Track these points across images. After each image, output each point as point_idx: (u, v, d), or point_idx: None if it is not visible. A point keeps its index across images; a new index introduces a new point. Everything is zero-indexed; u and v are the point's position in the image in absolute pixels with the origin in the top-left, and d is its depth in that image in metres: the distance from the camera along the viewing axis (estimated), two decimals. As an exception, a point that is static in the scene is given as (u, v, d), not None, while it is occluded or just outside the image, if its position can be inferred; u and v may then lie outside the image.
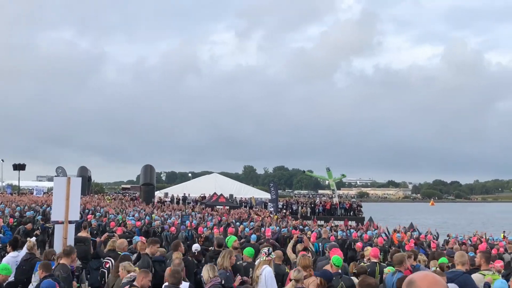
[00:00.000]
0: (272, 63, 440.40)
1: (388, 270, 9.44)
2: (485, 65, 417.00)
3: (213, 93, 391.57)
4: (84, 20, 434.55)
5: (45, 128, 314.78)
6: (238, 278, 9.33)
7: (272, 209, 47.10)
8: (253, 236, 15.98)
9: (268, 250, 9.79)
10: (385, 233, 24.89)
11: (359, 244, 17.16)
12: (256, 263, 9.82)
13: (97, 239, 15.07)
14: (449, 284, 7.77)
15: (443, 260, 10.17)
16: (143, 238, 12.89)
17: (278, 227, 25.28)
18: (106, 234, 14.56)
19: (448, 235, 26.47)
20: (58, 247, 11.37)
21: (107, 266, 10.24)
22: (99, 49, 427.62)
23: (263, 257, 9.63)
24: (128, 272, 8.36)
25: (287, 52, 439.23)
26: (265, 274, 9.08)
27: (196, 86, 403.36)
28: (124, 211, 31.21)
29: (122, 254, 9.71)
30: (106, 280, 9.86)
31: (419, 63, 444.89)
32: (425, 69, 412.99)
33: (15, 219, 21.40)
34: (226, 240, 11.52)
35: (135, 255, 10.86)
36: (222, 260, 9.47)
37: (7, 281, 8.76)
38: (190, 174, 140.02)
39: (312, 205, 54.39)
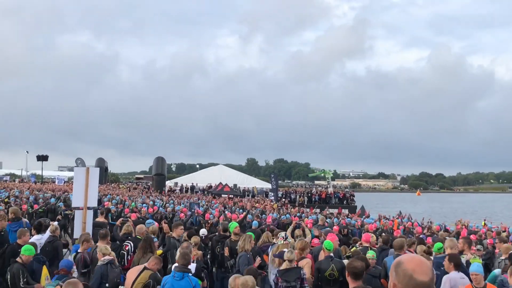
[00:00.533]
0: (271, 65, 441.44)
1: (371, 255, 9.41)
2: (467, 68, 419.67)
3: (218, 92, 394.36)
4: (100, 25, 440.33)
5: (64, 123, 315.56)
6: (258, 260, 9.43)
7: (272, 198, 47.15)
8: (254, 222, 15.99)
9: (285, 235, 9.87)
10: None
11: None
12: (274, 247, 9.83)
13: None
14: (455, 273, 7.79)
15: (439, 245, 10.16)
16: (157, 223, 13.05)
17: (277, 214, 25.36)
18: (121, 219, 14.58)
19: (430, 222, 26.51)
20: (78, 231, 11.44)
21: (127, 248, 10.30)
22: (113, 51, 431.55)
23: (281, 241, 9.66)
24: (104, 255, 8.41)
25: (285, 55, 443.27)
26: None
27: (202, 86, 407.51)
28: (136, 198, 31.29)
29: (145, 236, 9.75)
30: (125, 262, 9.98)
31: (407, 66, 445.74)
32: (412, 71, 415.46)
33: (40, 206, 21.42)
34: (229, 226, 11.53)
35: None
36: (243, 243, 9.54)
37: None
38: (198, 166, 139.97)
39: (309, 195, 54.35)
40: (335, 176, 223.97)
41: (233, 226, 11.20)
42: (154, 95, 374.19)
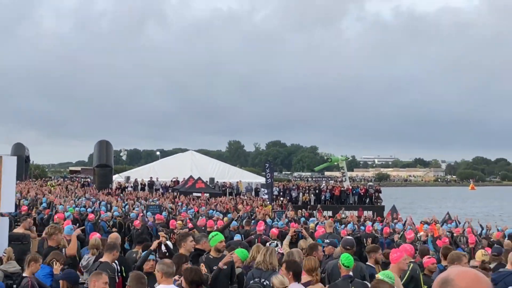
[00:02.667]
0: (259, 7, 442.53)
1: (377, 276, 9.23)
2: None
3: (183, 47, 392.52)
4: None
5: None
6: None
7: (266, 196, 47.30)
8: (237, 235, 16.05)
9: (276, 244, 9.94)
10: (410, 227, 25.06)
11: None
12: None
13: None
14: None
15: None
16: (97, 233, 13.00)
17: (271, 220, 25.45)
18: (49, 227, 14.59)
19: (487, 226, 26.55)
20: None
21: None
22: None
23: None
24: None
25: None
26: None
27: (161, 39, 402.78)
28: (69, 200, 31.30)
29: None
30: None
31: (452, 5, 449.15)
32: (460, 13, 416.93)
33: None
34: (209, 238, 11.41)
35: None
36: (263, 257, 9.71)
37: None
38: (158, 153, 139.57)
39: (317, 191, 54.52)
40: (354, 164, 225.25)
41: (218, 238, 11.10)
42: (92, 53, 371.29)
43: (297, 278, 8.59)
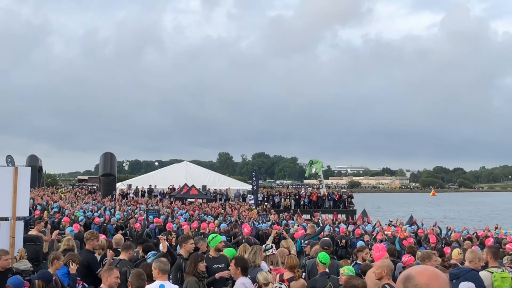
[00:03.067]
0: (245, 35, 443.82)
1: (343, 270, 9.15)
2: (490, 35, 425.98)
3: (178, 69, 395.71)
4: None
5: None
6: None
7: (252, 201, 47.20)
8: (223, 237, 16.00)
9: (270, 246, 9.95)
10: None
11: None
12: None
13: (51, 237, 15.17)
14: (464, 283, 7.94)
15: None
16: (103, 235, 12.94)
17: (257, 223, 25.42)
18: (57, 231, 14.52)
19: (448, 228, 26.70)
20: (4, 247, 11.29)
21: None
22: (42, 18, 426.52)
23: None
24: None
25: (262, 22, 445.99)
26: None
27: (158, 62, 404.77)
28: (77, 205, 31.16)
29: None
30: None
31: (415, 33, 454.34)
32: (422, 40, 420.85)
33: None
34: (209, 239, 11.05)
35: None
36: (253, 256, 9.66)
37: None
38: (156, 163, 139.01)
39: (297, 197, 54.35)
40: (329, 173, 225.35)
41: (218, 239, 11.00)
42: (98, 74, 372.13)
43: (244, 273, 8.61)
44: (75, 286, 9.58)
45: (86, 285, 9.85)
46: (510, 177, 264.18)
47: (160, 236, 13.60)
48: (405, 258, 11.02)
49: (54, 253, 10.00)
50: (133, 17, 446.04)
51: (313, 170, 67.78)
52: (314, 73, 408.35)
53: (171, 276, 9.67)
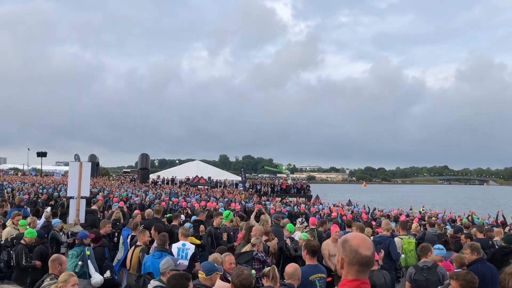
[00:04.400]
0: (237, 74, 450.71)
1: (300, 236, 8.80)
2: (403, 79, 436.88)
3: (191, 97, 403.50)
4: (86, 37, 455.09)
5: (59, 124, 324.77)
6: (225, 235, 9.54)
7: (241, 188, 47.08)
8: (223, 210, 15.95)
9: (302, 220, 10.04)
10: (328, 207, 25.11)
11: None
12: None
13: (106, 212, 15.20)
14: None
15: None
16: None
17: (244, 203, 25.35)
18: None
19: (374, 208, 26.91)
20: (72, 217, 11.23)
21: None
22: (98, 60, 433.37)
23: (298, 224, 10.61)
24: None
25: (249, 66, 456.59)
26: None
27: (178, 92, 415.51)
28: (122, 189, 30.94)
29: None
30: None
31: (353, 76, 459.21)
32: (357, 81, 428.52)
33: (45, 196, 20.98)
34: (225, 215, 10.44)
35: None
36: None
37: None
38: (177, 161, 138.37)
39: (272, 186, 54.31)
40: (294, 170, 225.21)
41: (231, 216, 10.80)
42: (136, 100, 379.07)
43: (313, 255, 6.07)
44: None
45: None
46: (416, 174, 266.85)
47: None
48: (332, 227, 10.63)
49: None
50: (161, 61, 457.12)
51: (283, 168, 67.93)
52: (284, 102, 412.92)
53: (202, 240, 9.19)
